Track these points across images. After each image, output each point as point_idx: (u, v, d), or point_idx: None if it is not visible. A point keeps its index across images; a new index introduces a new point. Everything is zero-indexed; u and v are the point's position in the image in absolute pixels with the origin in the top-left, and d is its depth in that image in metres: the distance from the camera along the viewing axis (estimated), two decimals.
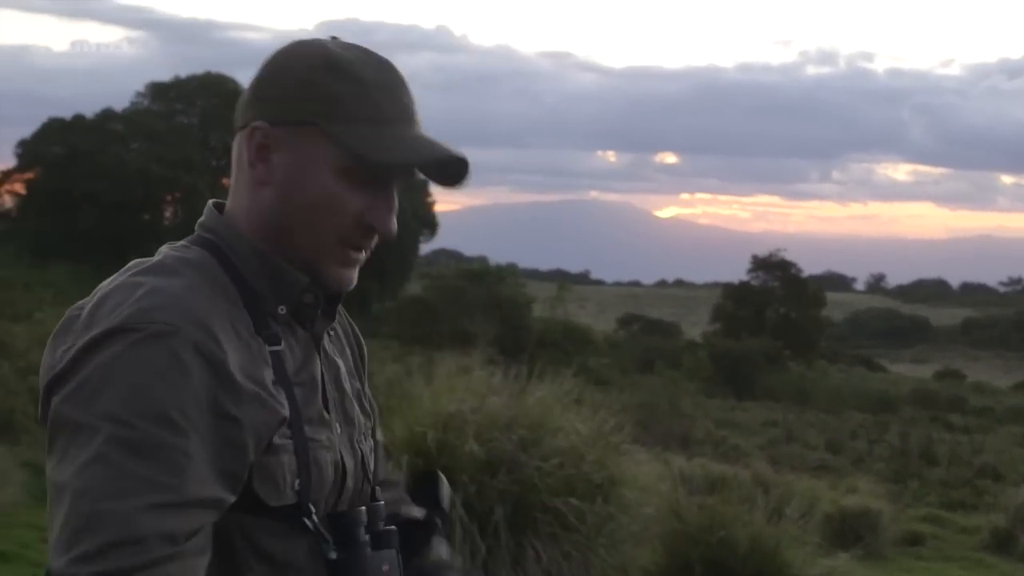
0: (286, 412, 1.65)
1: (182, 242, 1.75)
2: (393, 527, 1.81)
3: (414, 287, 51.41)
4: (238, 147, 1.75)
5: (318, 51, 1.73)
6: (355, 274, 1.78)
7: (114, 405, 1.50)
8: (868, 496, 16.24)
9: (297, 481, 1.66)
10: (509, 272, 51.05)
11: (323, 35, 1.78)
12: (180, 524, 1.49)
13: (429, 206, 58.93)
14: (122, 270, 1.70)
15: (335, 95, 1.69)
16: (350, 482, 1.79)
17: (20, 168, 55.14)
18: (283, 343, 1.70)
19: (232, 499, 1.58)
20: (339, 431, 1.79)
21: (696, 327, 78.04)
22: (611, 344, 54.27)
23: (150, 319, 1.55)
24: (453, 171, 1.74)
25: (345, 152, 1.68)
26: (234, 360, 1.59)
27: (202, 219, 1.78)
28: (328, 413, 1.77)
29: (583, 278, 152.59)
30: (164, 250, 1.73)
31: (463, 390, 7.80)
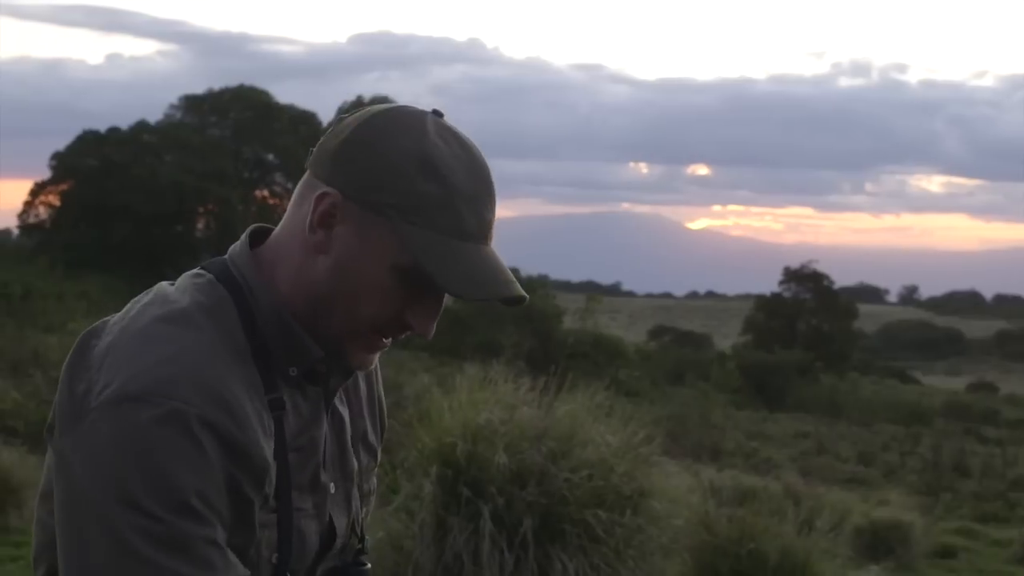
0: (272, 486, 1.62)
1: (208, 275, 1.68)
2: None
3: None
4: (303, 191, 1.68)
5: (417, 137, 1.62)
6: (376, 358, 1.74)
7: (140, 493, 1.48)
8: (900, 509, 16.16)
9: (276, 555, 1.64)
10: (540, 284, 50.99)
11: (426, 108, 1.68)
12: None
13: None
14: (146, 299, 1.66)
15: (418, 195, 1.60)
16: (339, 542, 1.77)
17: (55, 180, 55.56)
18: (288, 405, 1.67)
19: None
20: (334, 490, 1.77)
21: (727, 339, 77.81)
22: (642, 356, 54.15)
23: (168, 393, 1.51)
24: (511, 302, 1.67)
25: (407, 257, 1.60)
26: (251, 437, 1.57)
27: (236, 249, 1.72)
28: (325, 473, 1.75)
29: (614, 289, 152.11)
30: (187, 284, 1.68)
31: (493, 401, 7.79)
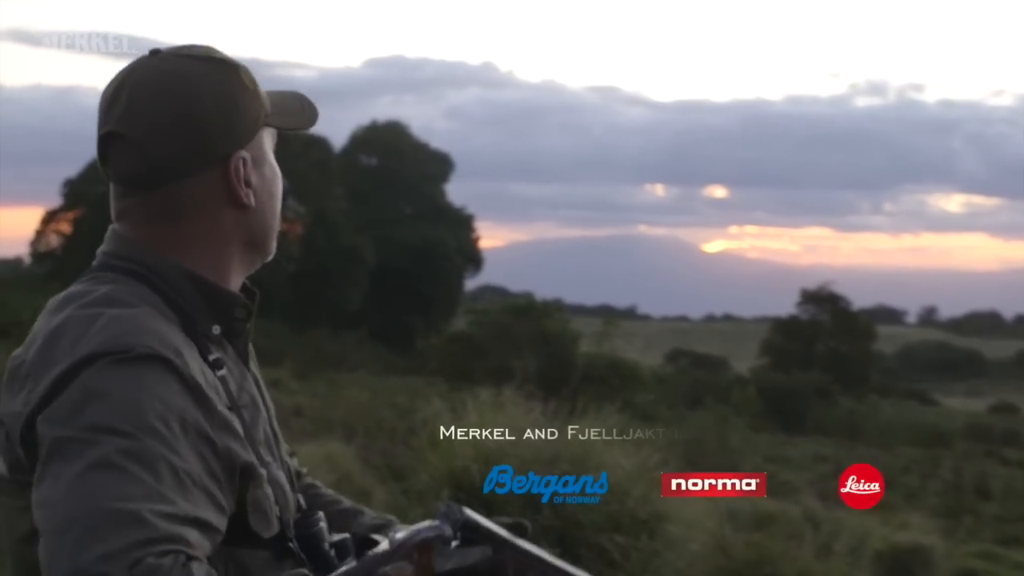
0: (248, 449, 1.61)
1: (108, 275, 1.67)
2: (347, 535, 1.76)
3: (459, 323, 51.50)
4: (200, 191, 1.67)
5: (212, 67, 1.68)
6: None
7: (109, 418, 1.44)
8: (920, 532, 16.04)
9: (277, 507, 1.64)
10: (555, 308, 50.98)
11: (143, 54, 1.75)
12: (194, 537, 1.44)
13: (474, 242, 59.08)
14: (52, 307, 1.64)
15: (259, 90, 1.72)
16: (291, 495, 1.76)
17: (66, 207, 55.76)
18: (225, 365, 1.66)
19: (221, 529, 1.51)
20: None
21: (744, 361, 77.69)
22: (658, 379, 54.12)
23: (127, 344, 1.49)
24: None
25: (275, 133, 1.76)
26: (206, 385, 1.55)
27: (111, 248, 1.72)
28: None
29: (630, 313, 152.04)
30: (94, 287, 1.65)
31: (506, 425, 7.74)
